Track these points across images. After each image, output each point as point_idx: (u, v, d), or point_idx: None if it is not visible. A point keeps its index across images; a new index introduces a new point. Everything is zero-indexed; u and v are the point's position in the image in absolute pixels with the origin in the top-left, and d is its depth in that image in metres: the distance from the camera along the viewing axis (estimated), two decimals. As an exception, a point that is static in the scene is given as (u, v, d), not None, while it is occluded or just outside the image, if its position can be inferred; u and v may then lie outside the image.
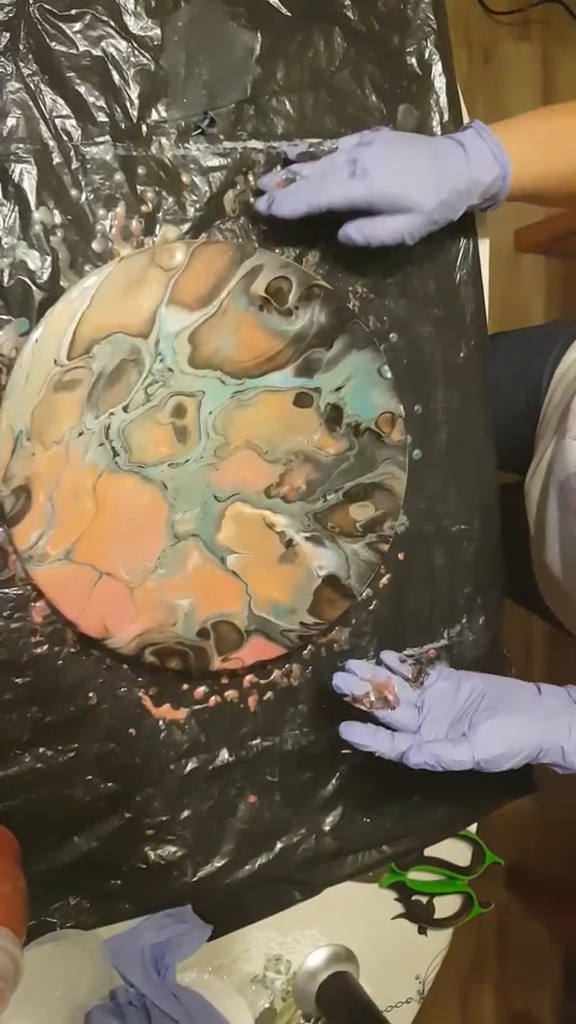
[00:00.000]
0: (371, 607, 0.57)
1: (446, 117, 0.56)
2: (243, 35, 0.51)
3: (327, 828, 0.57)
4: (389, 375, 0.53)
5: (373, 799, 0.58)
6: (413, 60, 0.55)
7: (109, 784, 0.52)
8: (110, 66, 0.49)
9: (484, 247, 0.58)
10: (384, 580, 0.57)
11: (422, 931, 0.61)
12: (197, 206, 0.51)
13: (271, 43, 0.52)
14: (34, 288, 0.48)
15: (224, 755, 0.55)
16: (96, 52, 0.49)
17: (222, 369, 0.51)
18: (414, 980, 0.61)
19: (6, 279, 0.48)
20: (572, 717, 0.47)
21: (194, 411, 0.51)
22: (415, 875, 0.60)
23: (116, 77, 0.49)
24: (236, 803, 0.55)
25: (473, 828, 0.62)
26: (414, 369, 0.56)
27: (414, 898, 0.60)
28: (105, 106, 0.49)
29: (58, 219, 0.49)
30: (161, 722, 0.53)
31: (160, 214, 0.51)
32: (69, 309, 0.48)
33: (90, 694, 0.51)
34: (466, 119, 0.56)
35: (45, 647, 0.50)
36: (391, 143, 0.49)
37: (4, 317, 0.48)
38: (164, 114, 0.50)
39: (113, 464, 0.49)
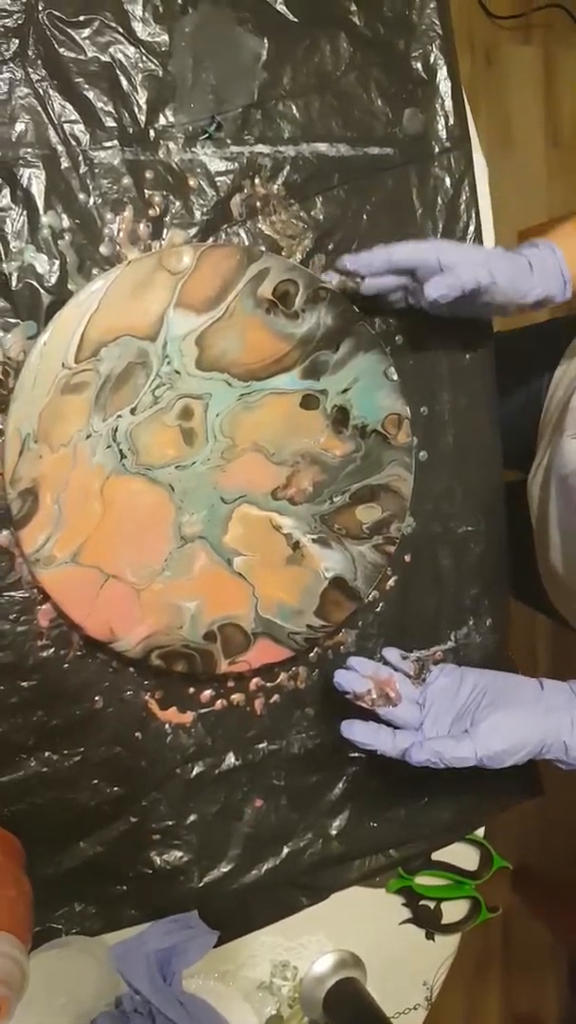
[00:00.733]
0: (377, 609, 0.57)
1: (451, 121, 0.56)
2: (250, 40, 0.52)
3: (334, 832, 0.57)
4: (395, 377, 0.53)
5: (380, 803, 0.57)
6: (419, 64, 0.55)
7: (115, 788, 0.52)
8: (118, 72, 0.50)
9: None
10: (390, 582, 0.57)
11: (430, 936, 0.60)
12: (204, 210, 0.52)
13: (277, 48, 0.52)
14: (42, 292, 0.49)
15: (230, 759, 0.54)
16: (104, 58, 0.49)
17: (229, 372, 0.51)
18: (422, 986, 0.60)
19: (14, 283, 0.48)
20: (574, 712, 0.46)
21: (201, 413, 0.51)
22: (422, 880, 0.60)
23: (124, 82, 0.50)
24: (242, 807, 0.55)
25: (481, 832, 0.62)
26: (420, 371, 0.56)
27: (421, 903, 0.60)
28: (113, 111, 0.50)
29: (66, 223, 0.49)
30: (167, 726, 0.53)
31: (167, 218, 0.51)
32: (77, 312, 0.48)
33: (96, 697, 0.51)
34: (471, 124, 0.57)
35: (51, 650, 0.50)
36: None
37: (12, 320, 0.48)
38: (172, 119, 0.51)
39: (120, 466, 0.49)
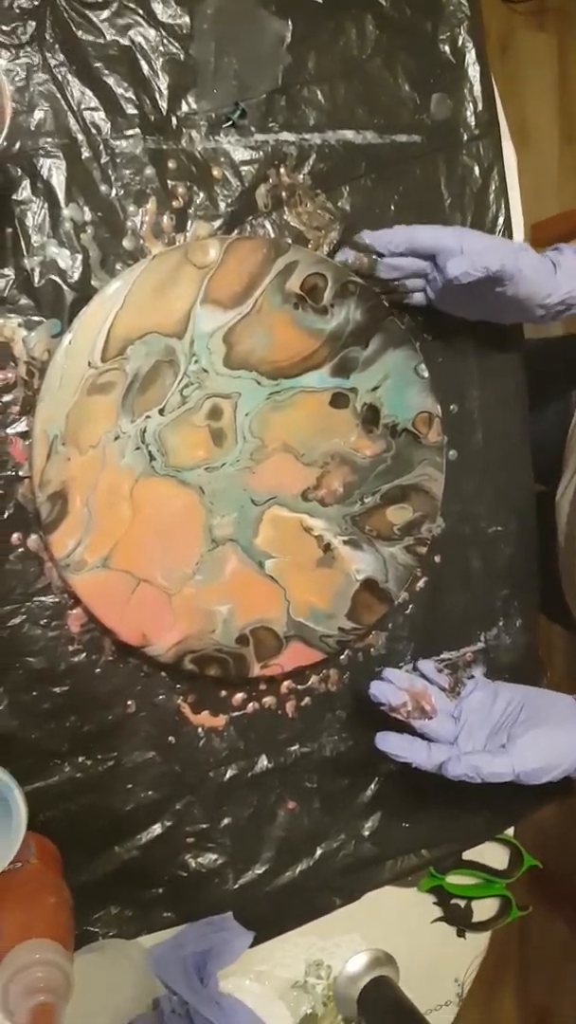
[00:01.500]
0: (407, 611, 0.56)
1: (480, 107, 0.54)
2: (274, 23, 0.50)
3: (366, 833, 0.56)
4: (426, 374, 0.52)
5: (411, 804, 0.57)
6: (446, 48, 0.54)
7: (149, 792, 0.52)
8: (138, 56, 0.48)
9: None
10: (420, 584, 0.56)
11: (461, 934, 0.61)
12: (229, 201, 0.50)
13: (302, 31, 0.50)
14: (65, 288, 0.47)
15: (263, 762, 0.54)
16: (124, 41, 0.47)
17: (258, 370, 0.50)
18: (453, 983, 0.61)
19: (37, 279, 0.46)
20: None
21: (230, 413, 0.49)
22: (454, 879, 0.60)
23: (145, 67, 0.48)
24: (275, 810, 0.55)
25: (511, 831, 0.62)
26: (449, 368, 0.55)
27: (453, 902, 0.60)
28: (134, 98, 0.48)
29: (88, 216, 0.47)
30: (200, 729, 0.52)
31: (191, 209, 0.49)
32: (102, 309, 0.46)
33: (128, 702, 0.50)
34: (500, 109, 0.55)
35: (83, 655, 0.49)
36: None
37: (35, 318, 0.47)
38: (194, 106, 0.49)
39: (150, 468, 0.48)
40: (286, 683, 0.54)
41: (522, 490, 0.58)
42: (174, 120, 0.49)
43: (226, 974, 0.55)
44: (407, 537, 0.53)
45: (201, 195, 0.49)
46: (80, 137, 0.47)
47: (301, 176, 0.51)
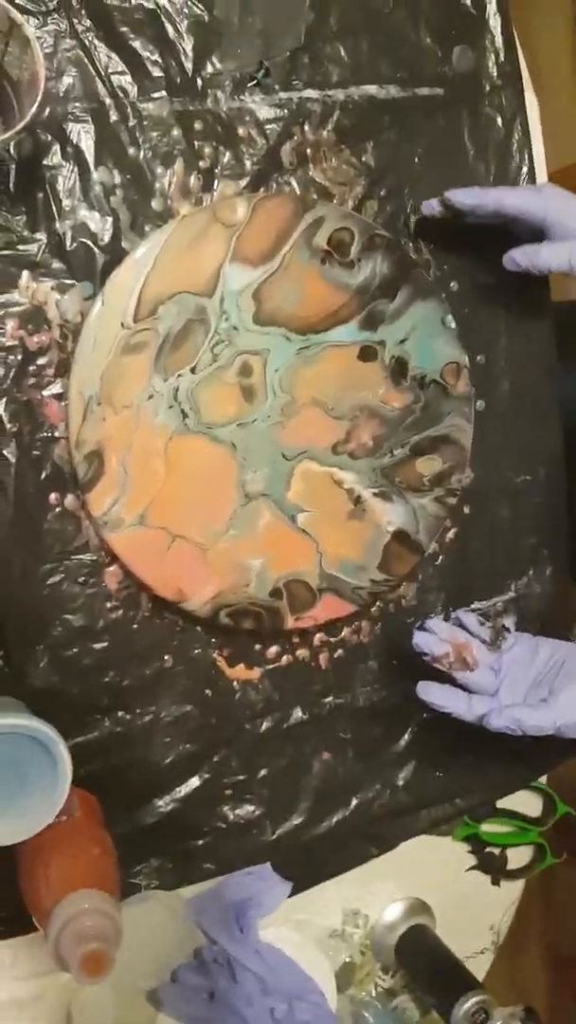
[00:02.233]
0: (437, 562, 0.57)
1: (502, 57, 0.54)
2: (295, -20, 0.50)
3: (401, 783, 0.57)
4: (453, 325, 0.53)
5: (445, 753, 0.58)
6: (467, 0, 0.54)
7: (187, 745, 0.53)
8: (163, 19, 0.48)
9: (542, 179, 0.57)
10: (450, 534, 0.57)
11: (495, 882, 0.62)
12: (254, 159, 0.50)
13: (324, -13, 0.51)
14: (96, 251, 0.48)
15: (297, 713, 0.55)
16: (149, 5, 0.48)
17: (287, 326, 0.50)
18: (488, 930, 0.62)
19: (68, 242, 0.47)
20: None
21: (260, 369, 0.50)
22: (488, 827, 0.61)
23: (170, 30, 0.48)
24: (311, 761, 0.56)
25: (544, 779, 0.62)
26: (475, 317, 0.56)
27: (487, 850, 0.61)
28: (160, 60, 0.48)
29: (117, 179, 0.48)
30: (235, 682, 0.53)
31: (218, 169, 0.50)
32: (133, 270, 0.47)
33: (165, 657, 0.52)
34: (522, 60, 0.55)
35: (120, 612, 0.50)
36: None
37: (68, 282, 0.48)
38: (219, 66, 0.49)
39: (183, 426, 0.49)
40: (319, 635, 0.55)
41: (550, 439, 0.58)
42: (199, 81, 0.49)
43: (265, 923, 0.56)
44: (437, 488, 0.54)
45: (227, 155, 0.50)
46: (108, 101, 0.48)
47: (325, 132, 0.51)
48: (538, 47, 0.53)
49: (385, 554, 0.53)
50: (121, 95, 0.48)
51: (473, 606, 0.54)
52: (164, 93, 0.49)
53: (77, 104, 0.47)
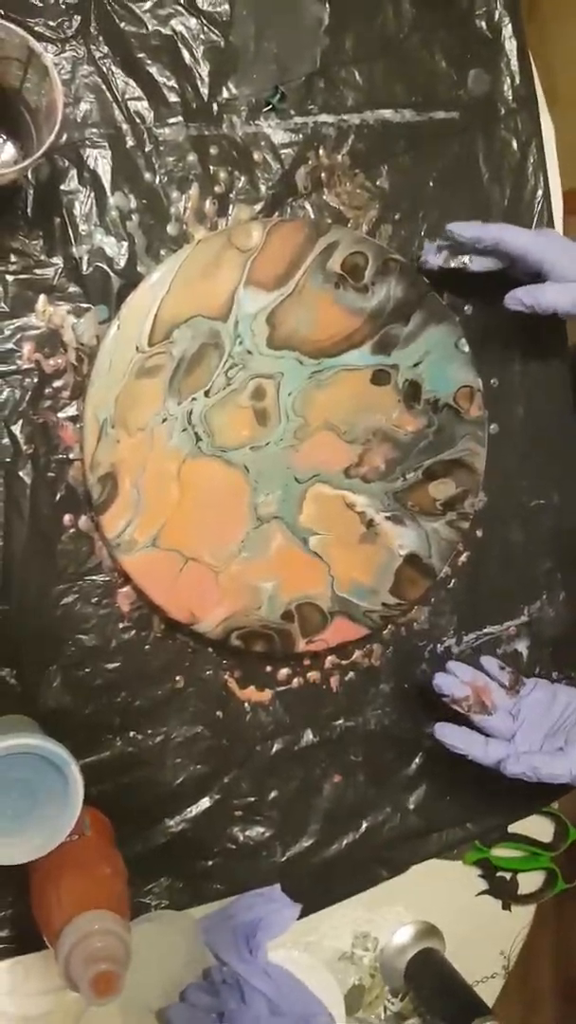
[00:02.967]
0: (450, 586, 0.57)
1: (517, 81, 0.54)
2: (312, 6, 0.50)
3: (411, 806, 0.57)
4: (467, 349, 0.52)
5: (456, 777, 0.57)
6: (483, 23, 0.54)
7: (197, 766, 0.53)
8: (180, 45, 0.49)
9: (558, 211, 0.57)
10: (463, 558, 0.57)
11: (506, 907, 0.61)
12: (269, 184, 0.51)
13: (340, 13, 0.51)
14: (112, 275, 0.48)
15: (308, 736, 0.55)
16: (166, 31, 0.48)
17: (300, 349, 0.50)
18: (499, 955, 0.61)
19: (85, 267, 0.48)
20: None
21: (273, 393, 0.50)
22: (499, 852, 0.60)
23: (186, 56, 0.49)
24: (321, 783, 0.56)
25: (556, 804, 0.62)
26: (489, 341, 0.55)
27: (498, 874, 0.60)
28: (176, 86, 0.49)
29: (133, 204, 0.49)
30: (246, 704, 0.53)
31: (233, 194, 0.50)
32: (149, 294, 0.48)
33: (177, 678, 0.52)
34: (538, 83, 0.55)
35: (132, 632, 0.51)
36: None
37: (84, 305, 0.48)
38: (234, 91, 0.50)
39: (196, 449, 0.49)
40: (330, 658, 0.55)
41: (565, 463, 0.58)
42: (215, 106, 0.50)
43: (275, 945, 0.56)
44: (449, 512, 0.53)
45: (242, 179, 0.50)
46: (125, 127, 0.48)
47: (340, 157, 0.52)
48: (554, 70, 0.53)
49: (397, 578, 0.53)
50: (138, 121, 0.48)
51: (486, 630, 0.54)
52: (180, 118, 0.49)
53: (94, 130, 0.48)
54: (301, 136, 0.51)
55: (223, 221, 0.50)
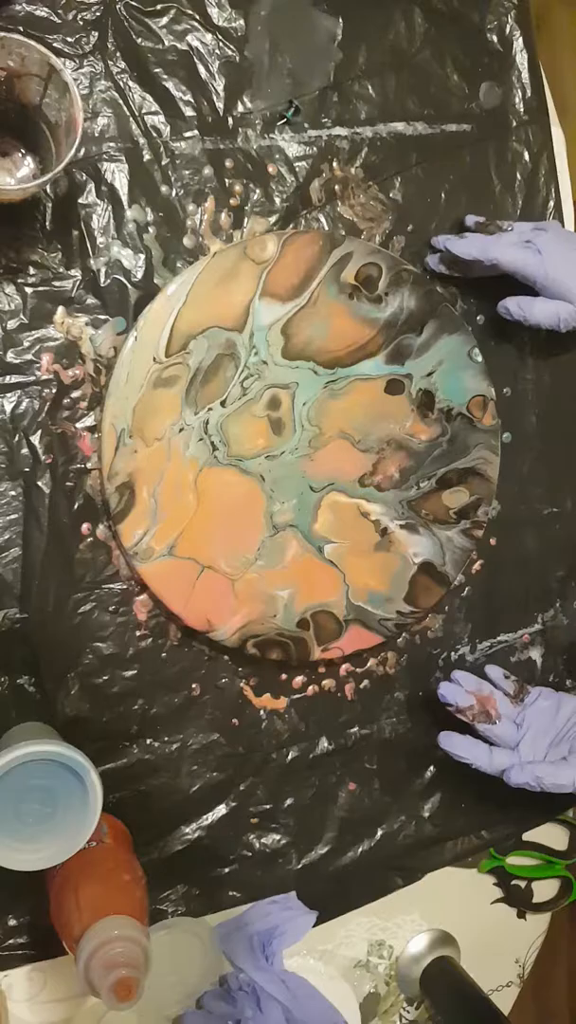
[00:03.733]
0: (464, 594, 0.57)
1: (528, 93, 0.55)
2: (325, 20, 0.51)
3: (426, 815, 0.57)
4: (480, 358, 0.53)
5: (470, 785, 0.57)
6: (494, 37, 0.54)
7: (214, 774, 0.53)
8: (196, 60, 0.49)
9: (569, 222, 0.57)
10: (476, 566, 0.57)
11: (521, 915, 0.61)
12: (284, 196, 0.51)
13: (353, 27, 0.52)
14: (129, 287, 0.49)
15: (324, 743, 0.55)
16: (182, 46, 0.49)
17: (315, 360, 0.51)
18: (514, 964, 0.61)
19: (103, 279, 0.48)
20: None
21: (288, 403, 0.51)
22: (514, 860, 0.60)
23: (202, 70, 0.49)
24: (336, 791, 0.56)
25: (571, 812, 0.62)
26: (502, 350, 0.56)
27: (513, 883, 0.60)
28: (192, 100, 0.49)
29: (150, 216, 0.49)
30: (262, 712, 0.54)
31: (248, 206, 0.51)
32: (166, 306, 0.48)
33: (193, 685, 0.52)
34: (549, 96, 0.55)
35: (149, 640, 0.51)
36: (566, 236, 0.51)
37: (102, 317, 0.49)
38: (250, 105, 0.50)
39: (213, 458, 0.50)
40: (345, 666, 0.55)
41: (577, 470, 0.58)
42: (230, 120, 0.50)
43: (290, 953, 0.56)
44: (463, 520, 0.54)
45: (257, 192, 0.51)
46: (141, 141, 0.49)
47: (353, 169, 0.52)
48: (564, 82, 0.53)
49: (412, 586, 0.53)
50: (154, 135, 0.49)
51: (499, 638, 0.54)
52: (196, 132, 0.50)
53: (111, 144, 0.48)
54: (315, 149, 0.52)
55: (238, 233, 0.51)
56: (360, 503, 0.53)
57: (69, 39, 0.47)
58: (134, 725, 0.51)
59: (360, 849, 0.56)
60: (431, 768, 0.57)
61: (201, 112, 0.50)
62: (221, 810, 0.54)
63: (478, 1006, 0.55)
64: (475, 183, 0.55)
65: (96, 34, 0.48)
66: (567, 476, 0.58)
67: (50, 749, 0.41)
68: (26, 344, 0.47)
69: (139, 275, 0.49)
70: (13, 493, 0.48)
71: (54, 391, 0.48)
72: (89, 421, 0.49)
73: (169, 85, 0.49)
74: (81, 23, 0.47)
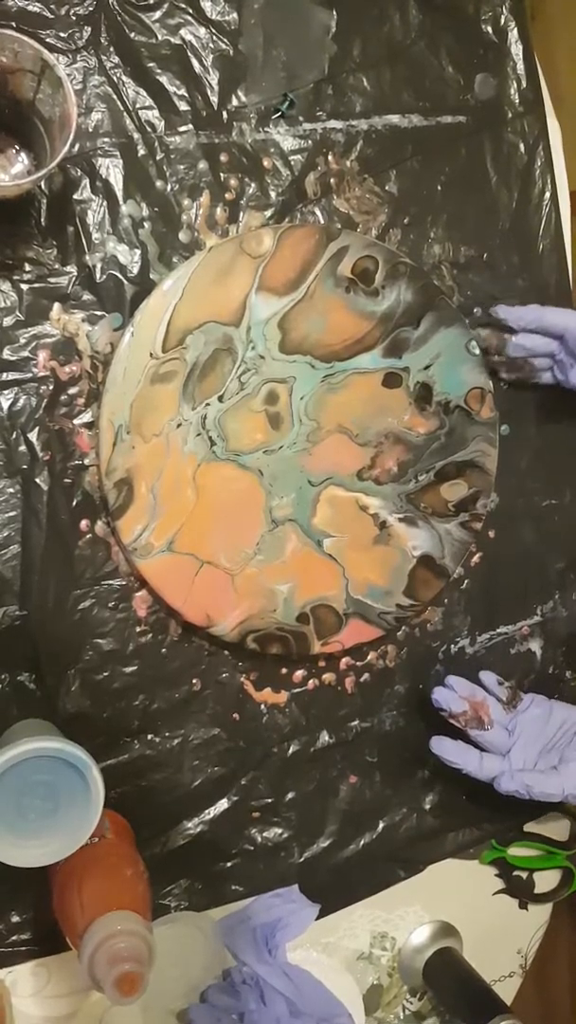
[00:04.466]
0: (463, 586, 0.57)
1: (524, 84, 0.55)
2: (319, 13, 0.51)
3: (428, 807, 0.57)
4: (477, 351, 0.53)
5: (471, 777, 0.58)
6: (488, 28, 0.54)
7: (215, 768, 0.53)
8: (189, 54, 0.49)
9: (565, 213, 0.57)
10: (476, 559, 0.57)
11: (523, 906, 0.61)
12: (279, 190, 0.51)
13: (346, 19, 0.51)
14: (125, 282, 0.49)
15: (324, 737, 0.55)
16: (175, 40, 0.49)
17: (312, 354, 0.51)
18: (516, 954, 0.61)
19: (98, 275, 0.48)
20: None
21: (286, 397, 0.51)
22: (515, 851, 0.60)
23: (196, 64, 0.49)
24: (338, 784, 0.56)
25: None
26: (500, 344, 0.56)
27: (515, 873, 0.61)
28: (186, 95, 0.49)
29: (145, 212, 0.49)
30: (263, 706, 0.54)
31: (243, 201, 0.51)
32: (162, 301, 0.48)
33: (194, 680, 0.52)
34: (544, 87, 0.55)
35: (149, 636, 0.51)
36: None
37: (98, 313, 0.49)
38: (244, 99, 0.50)
39: (211, 453, 0.50)
40: (345, 659, 0.55)
41: (576, 463, 0.58)
42: (225, 114, 0.50)
43: (293, 946, 0.57)
44: (462, 513, 0.54)
45: (253, 186, 0.51)
46: (136, 136, 0.49)
47: (349, 162, 0.52)
48: (559, 73, 0.53)
49: (411, 579, 0.53)
50: (149, 129, 0.49)
51: (499, 630, 0.55)
52: (191, 127, 0.50)
53: (106, 139, 0.48)
54: (310, 142, 0.51)
55: (234, 228, 0.51)
56: (359, 497, 0.53)
57: (62, 34, 0.47)
58: (135, 721, 0.51)
59: (362, 842, 0.56)
60: (432, 760, 0.57)
61: (195, 106, 0.49)
62: (223, 804, 0.54)
63: (481, 997, 0.56)
64: (471, 175, 0.54)
65: (89, 29, 0.47)
66: (565, 468, 0.58)
67: (51, 745, 0.42)
68: (22, 341, 0.47)
69: (135, 271, 0.49)
70: (11, 490, 0.48)
71: (51, 388, 0.48)
72: (87, 417, 0.49)
73: (163, 79, 0.49)
74: (74, 18, 0.47)
